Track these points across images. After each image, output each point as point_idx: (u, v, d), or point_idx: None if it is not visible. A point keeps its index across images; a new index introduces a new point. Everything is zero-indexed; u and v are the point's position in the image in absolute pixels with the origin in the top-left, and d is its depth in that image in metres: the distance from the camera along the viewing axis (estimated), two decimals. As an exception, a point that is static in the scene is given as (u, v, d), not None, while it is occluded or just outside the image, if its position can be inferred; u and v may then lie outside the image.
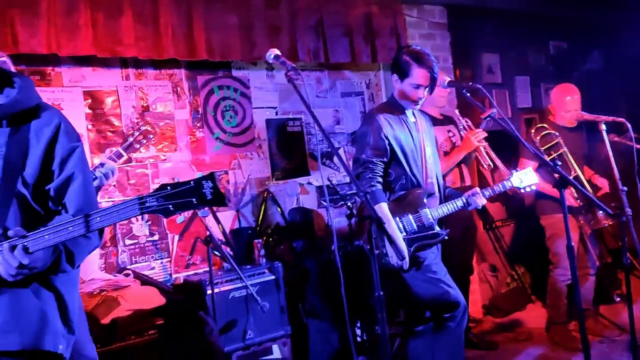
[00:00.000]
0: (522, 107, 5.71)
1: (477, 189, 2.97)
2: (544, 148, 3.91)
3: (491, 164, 3.73)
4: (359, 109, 4.73)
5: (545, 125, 4.03)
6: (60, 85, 3.49)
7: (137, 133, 3.01)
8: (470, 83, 3.13)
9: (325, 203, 4.36)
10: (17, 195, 1.64)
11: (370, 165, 2.82)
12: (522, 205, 4.97)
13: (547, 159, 3.50)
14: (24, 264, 1.50)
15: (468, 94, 2.79)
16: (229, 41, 3.80)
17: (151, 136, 3.05)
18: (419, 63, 2.84)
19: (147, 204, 1.47)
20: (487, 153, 3.74)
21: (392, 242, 1.89)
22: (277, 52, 2.32)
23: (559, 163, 2.97)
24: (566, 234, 2.58)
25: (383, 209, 2.76)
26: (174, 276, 3.78)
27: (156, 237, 3.76)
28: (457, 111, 3.98)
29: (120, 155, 2.87)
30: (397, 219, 2.82)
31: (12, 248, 1.50)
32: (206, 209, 3.66)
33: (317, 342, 3.77)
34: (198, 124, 4.00)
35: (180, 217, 3.80)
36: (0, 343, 1.59)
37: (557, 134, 3.95)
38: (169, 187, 1.48)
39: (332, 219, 4.28)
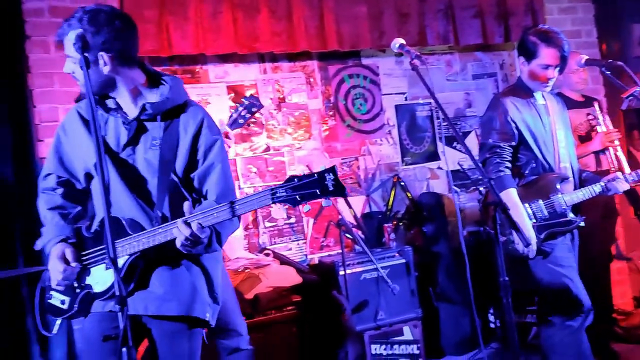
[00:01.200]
0: (682, 80, 5.13)
1: (619, 174, 2.78)
2: None
3: (616, 165, 3.47)
4: (492, 90, 4.60)
5: None
6: (208, 81, 3.85)
7: (241, 108, 3.05)
8: (610, 60, 2.92)
9: (456, 188, 4.33)
10: (170, 182, 1.90)
11: (498, 150, 2.78)
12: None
13: None
14: (198, 236, 1.72)
15: (608, 72, 2.63)
16: (359, 31, 3.91)
17: (254, 109, 3.04)
18: (547, 42, 2.73)
19: (278, 194, 1.64)
20: (615, 155, 3.49)
21: (517, 229, 1.88)
22: (402, 41, 2.37)
23: None
24: None
25: (511, 194, 2.71)
26: (309, 257, 4.01)
27: (293, 220, 4.02)
28: (597, 104, 3.72)
29: (225, 132, 2.96)
30: (527, 204, 2.74)
31: (187, 223, 1.72)
32: (329, 199, 3.83)
33: (448, 326, 3.80)
34: (330, 113, 4.17)
35: (306, 206, 3.99)
36: (162, 308, 1.87)
37: None
38: (295, 179, 1.64)
39: (459, 204, 4.24)
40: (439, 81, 4.46)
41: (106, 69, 1.84)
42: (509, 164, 2.78)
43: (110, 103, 1.94)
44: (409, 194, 4.14)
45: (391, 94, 4.34)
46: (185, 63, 3.78)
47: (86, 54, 1.72)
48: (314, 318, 3.50)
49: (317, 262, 3.93)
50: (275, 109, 4.02)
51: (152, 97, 1.93)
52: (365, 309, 3.56)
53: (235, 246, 3.75)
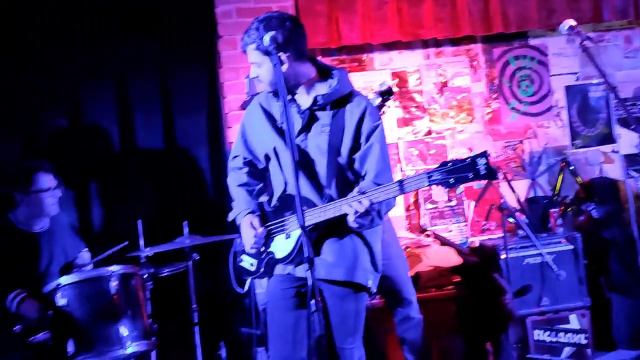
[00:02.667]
0: None
1: None
2: None
3: None
4: (681, 67, 4.18)
5: None
6: (373, 69, 4.05)
7: (373, 95, 3.05)
8: None
9: (633, 173, 4.04)
10: (337, 165, 2.12)
11: None
12: None
13: None
14: (369, 211, 1.94)
15: None
16: (526, 11, 3.82)
17: (386, 96, 3.04)
18: None
19: (433, 177, 1.80)
20: None
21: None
22: (572, 22, 2.32)
23: None
24: None
25: None
26: (469, 240, 4.04)
27: (454, 203, 4.08)
28: None
29: None
30: None
31: (361, 200, 1.93)
32: (481, 181, 3.79)
33: (622, 318, 3.60)
34: (493, 96, 4.14)
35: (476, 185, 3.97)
36: (331, 274, 2.11)
37: None
38: (449, 164, 1.77)
39: (637, 190, 3.95)
40: (616, 59, 4.17)
41: (285, 67, 2.08)
42: None
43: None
44: (579, 179, 3.96)
45: (561, 74, 4.16)
46: (352, 52, 4.02)
47: (272, 55, 1.97)
48: (474, 299, 3.54)
49: (477, 244, 3.95)
50: (437, 93, 4.10)
51: (322, 88, 2.15)
52: (528, 293, 3.50)
53: (397, 226, 3.92)
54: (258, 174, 2.34)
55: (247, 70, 3.69)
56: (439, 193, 4.08)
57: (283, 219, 2.15)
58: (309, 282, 1.72)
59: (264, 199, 2.30)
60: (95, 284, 2.50)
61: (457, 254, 3.67)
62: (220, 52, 3.67)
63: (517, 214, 3.75)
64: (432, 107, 4.10)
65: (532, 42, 4.15)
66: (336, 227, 2.08)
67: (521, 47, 4.14)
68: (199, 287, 2.96)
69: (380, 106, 3.06)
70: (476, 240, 4.02)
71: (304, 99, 2.17)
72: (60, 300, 2.46)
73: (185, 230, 2.97)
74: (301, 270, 2.14)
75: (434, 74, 4.10)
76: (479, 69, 4.14)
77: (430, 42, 4.06)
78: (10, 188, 2.83)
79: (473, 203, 4.08)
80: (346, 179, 2.13)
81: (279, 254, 2.16)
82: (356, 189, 1.96)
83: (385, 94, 3.05)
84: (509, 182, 3.97)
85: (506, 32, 3.90)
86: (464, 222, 4.07)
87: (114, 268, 2.54)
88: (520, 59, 4.15)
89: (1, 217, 2.98)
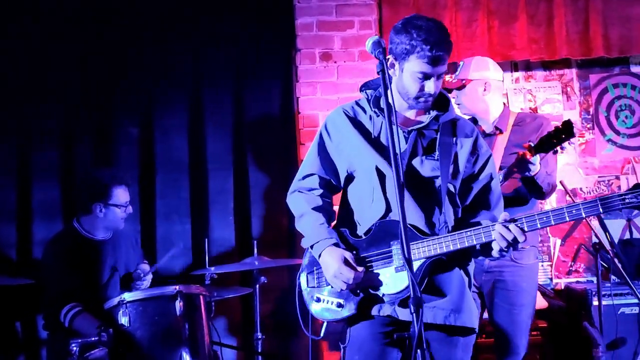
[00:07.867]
0: None
1: None
2: None
3: None
4: None
5: None
6: (456, 90, 3.80)
7: (552, 133, 2.77)
8: None
9: None
10: (446, 191, 1.89)
11: None
12: None
13: None
14: (518, 241, 1.72)
15: None
16: (631, 34, 3.51)
17: (564, 136, 2.54)
18: None
19: (627, 200, 1.62)
20: None
21: None
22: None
23: None
24: None
25: None
26: (554, 281, 3.71)
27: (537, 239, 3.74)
28: None
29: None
30: None
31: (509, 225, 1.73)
32: None
33: None
34: (588, 125, 3.81)
35: None
36: (449, 319, 1.85)
37: None
38: None
39: None
40: None
41: (395, 78, 1.92)
42: None
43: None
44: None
45: (667, 105, 3.80)
46: (435, 72, 3.78)
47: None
48: (561, 348, 3.23)
49: (562, 287, 3.62)
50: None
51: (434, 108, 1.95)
52: (622, 347, 3.18)
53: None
54: (329, 198, 2.02)
55: (325, 85, 3.54)
56: (522, 228, 3.76)
57: (389, 249, 1.84)
58: (416, 327, 1.42)
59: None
60: (160, 302, 2.34)
61: (542, 296, 3.35)
62: (298, 66, 3.51)
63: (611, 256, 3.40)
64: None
65: (635, 69, 3.82)
66: (450, 260, 1.86)
67: (622, 74, 3.81)
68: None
69: (553, 145, 2.47)
70: (561, 282, 3.68)
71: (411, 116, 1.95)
72: (122, 318, 2.31)
73: (254, 250, 2.77)
74: (408, 313, 1.78)
75: (522, 99, 3.82)
76: (573, 95, 3.82)
77: (520, 64, 3.79)
78: (91, 197, 2.76)
79: (559, 241, 3.74)
80: (454, 206, 1.94)
81: (386, 290, 1.84)
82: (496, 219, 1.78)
83: (564, 134, 2.42)
84: (601, 221, 3.62)
85: (605, 58, 3.59)
86: (548, 261, 3.73)
87: (180, 287, 2.36)
88: (620, 87, 3.81)
89: (67, 224, 2.89)
